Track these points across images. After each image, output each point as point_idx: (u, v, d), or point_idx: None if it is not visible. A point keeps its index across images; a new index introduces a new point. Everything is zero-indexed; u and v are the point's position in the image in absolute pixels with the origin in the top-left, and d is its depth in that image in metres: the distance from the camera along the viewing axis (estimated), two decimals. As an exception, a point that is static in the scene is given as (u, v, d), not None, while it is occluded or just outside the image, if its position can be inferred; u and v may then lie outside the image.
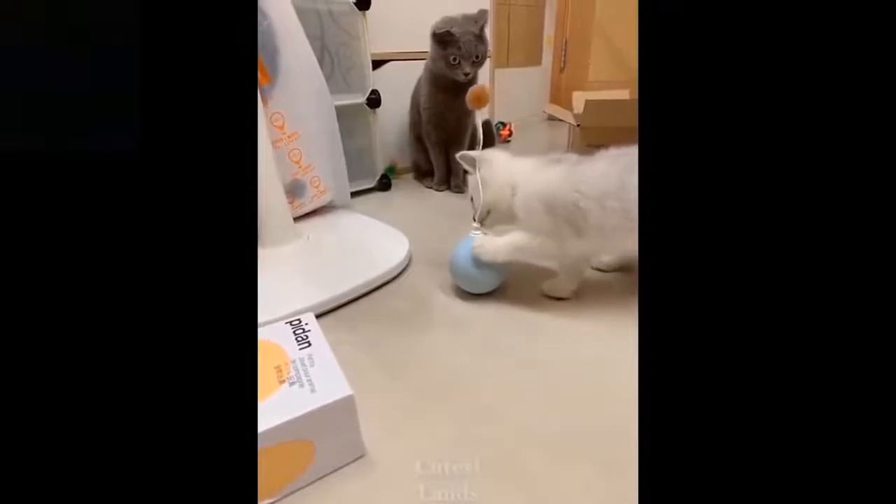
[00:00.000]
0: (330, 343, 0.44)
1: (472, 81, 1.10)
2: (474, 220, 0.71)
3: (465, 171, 0.71)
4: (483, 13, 1.04)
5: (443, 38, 1.02)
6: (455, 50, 1.02)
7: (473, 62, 1.04)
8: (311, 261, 0.77)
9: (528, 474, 0.40)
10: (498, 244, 0.64)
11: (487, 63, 1.35)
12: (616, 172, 0.57)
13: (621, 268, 0.75)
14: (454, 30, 1.01)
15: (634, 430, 0.23)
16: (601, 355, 0.55)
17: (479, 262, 0.66)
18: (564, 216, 0.60)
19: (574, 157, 0.64)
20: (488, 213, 0.68)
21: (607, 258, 0.74)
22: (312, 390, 0.38)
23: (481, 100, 1.08)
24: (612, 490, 0.38)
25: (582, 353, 0.56)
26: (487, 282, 0.68)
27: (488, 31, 1.08)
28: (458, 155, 0.70)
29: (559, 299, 0.67)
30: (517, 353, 0.56)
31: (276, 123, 0.83)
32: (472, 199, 0.70)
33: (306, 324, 0.47)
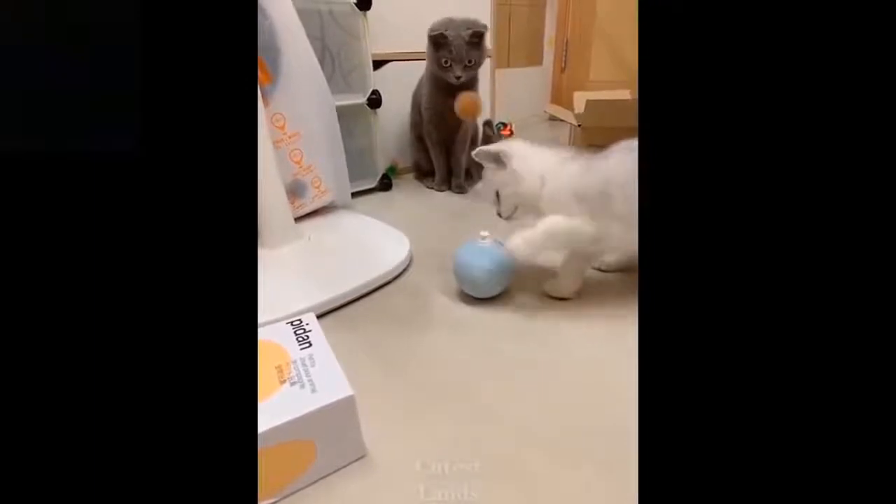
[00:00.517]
0: (331, 343, 0.44)
1: (470, 84, 1.09)
2: (499, 214, 0.68)
3: (484, 167, 0.67)
4: (483, 25, 1.04)
5: (436, 40, 1.02)
6: (446, 53, 1.02)
7: (465, 66, 1.04)
8: (312, 261, 0.77)
9: (528, 474, 0.40)
10: (533, 236, 0.61)
11: (488, 63, 1.35)
12: (632, 161, 0.57)
13: (623, 268, 0.74)
14: (448, 32, 1.00)
15: (634, 430, 0.23)
16: (602, 355, 0.55)
17: (485, 267, 0.65)
18: (594, 204, 0.59)
19: (588, 153, 0.63)
20: (516, 207, 0.66)
21: (609, 258, 0.74)
22: (313, 390, 0.38)
23: (467, 111, 1.07)
24: (612, 490, 0.38)
25: (582, 353, 0.56)
26: (493, 287, 0.67)
27: (489, 37, 1.08)
28: (475, 152, 0.67)
29: (561, 299, 0.67)
30: (517, 353, 0.56)
31: (277, 124, 0.83)
32: (497, 195, 0.67)
33: (307, 324, 0.47)
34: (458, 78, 1.04)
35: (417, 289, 0.73)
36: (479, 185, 1.22)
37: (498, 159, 0.65)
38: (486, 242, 0.67)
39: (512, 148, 0.66)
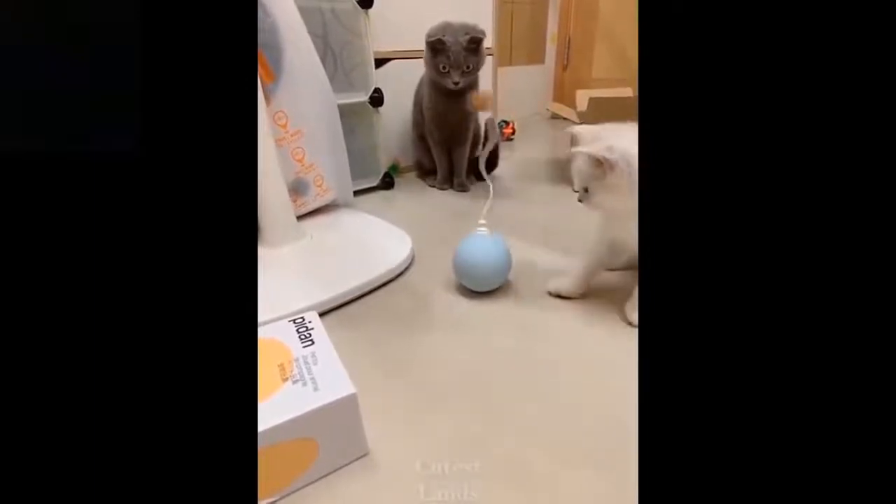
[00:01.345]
0: (333, 341, 0.44)
1: (469, 87, 1.09)
2: (580, 200, 0.61)
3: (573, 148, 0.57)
4: (481, 30, 1.04)
5: (434, 46, 1.02)
6: (444, 59, 1.02)
7: (463, 72, 1.04)
8: (314, 259, 0.77)
9: (528, 474, 0.40)
10: None
11: (490, 62, 1.34)
12: None
13: (628, 266, 0.74)
14: (445, 38, 1.00)
15: (634, 430, 0.23)
16: (603, 355, 0.55)
17: (481, 260, 0.65)
18: None
19: None
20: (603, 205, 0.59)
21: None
22: (315, 388, 0.38)
23: (480, 105, 1.08)
24: (613, 491, 0.38)
25: (584, 352, 0.56)
26: (492, 280, 0.68)
27: (489, 40, 1.08)
28: (574, 151, 0.57)
29: (564, 298, 0.67)
30: (519, 353, 0.56)
31: (279, 122, 0.83)
32: (585, 189, 0.59)
33: (309, 322, 0.47)
34: (456, 84, 1.04)
35: (419, 287, 0.73)
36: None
37: (599, 165, 0.56)
38: (483, 230, 0.68)
39: (614, 150, 0.54)
